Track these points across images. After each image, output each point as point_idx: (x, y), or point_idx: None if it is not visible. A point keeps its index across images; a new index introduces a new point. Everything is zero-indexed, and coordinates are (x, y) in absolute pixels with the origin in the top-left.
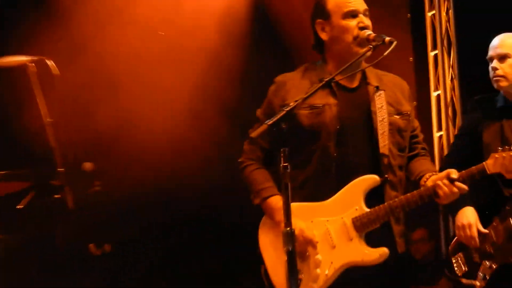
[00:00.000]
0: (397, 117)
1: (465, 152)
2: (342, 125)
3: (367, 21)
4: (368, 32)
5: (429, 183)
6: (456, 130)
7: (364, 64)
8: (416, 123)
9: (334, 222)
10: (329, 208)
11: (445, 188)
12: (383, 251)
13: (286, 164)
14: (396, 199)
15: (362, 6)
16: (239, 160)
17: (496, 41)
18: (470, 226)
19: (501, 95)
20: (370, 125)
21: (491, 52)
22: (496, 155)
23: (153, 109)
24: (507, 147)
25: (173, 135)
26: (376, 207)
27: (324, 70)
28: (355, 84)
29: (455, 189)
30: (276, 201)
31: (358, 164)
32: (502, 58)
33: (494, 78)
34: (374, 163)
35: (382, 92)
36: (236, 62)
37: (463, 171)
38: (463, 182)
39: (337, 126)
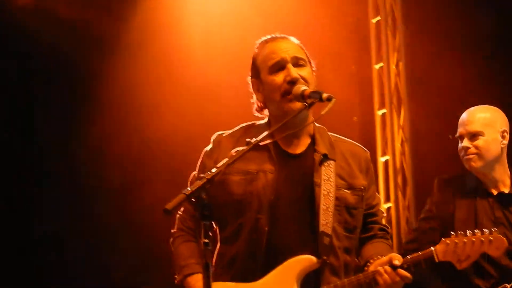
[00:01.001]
0: (347, 192)
1: (432, 237)
2: (278, 196)
3: (296, 73)
4: (303, 87)
5: (372, 268)
6: (421, 212)
7: (310, 119)
8: (376, 200)
9: None
10: None
11: (386, 276)
12: None
13: (206, 240)
14: (331, 285)
15: (290, 54)
16: (172, 231)
17: (465, 117)
18: None
19: (471, 176)
20: (312, 199)
21: (461, 130)
22: (448, 241)
23: None
24: (461, 233)
25: None
26: None
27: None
28: (299, 150)
29: (397, 278)
30: (196, 280)
31: (294, 242)
32: (474, 136)
33: (466, 157)
34: (313, 242)
35: (331, 162)
36: None
37: (408, 257)
38: (407, 269)
39: (271, 197)
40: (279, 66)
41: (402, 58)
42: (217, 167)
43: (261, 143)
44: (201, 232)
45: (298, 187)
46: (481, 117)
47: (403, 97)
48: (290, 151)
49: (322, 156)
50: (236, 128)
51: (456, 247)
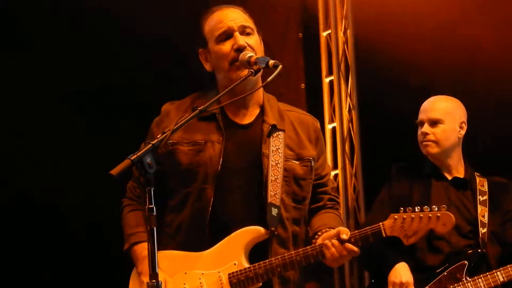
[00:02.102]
0: (296, 163)
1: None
2: (225, 166)
3: (243, 40)
4: (249, 54)
5: (319, 241)
6: (380, 197)
7: (257, 85)
8: (326, 170)
9: (209, 276)
10: (206, 260)
11: (333, 249)
12: None
13: (151, 206)
14: (279, 257)
15: (237, 23)
16: (122, 199)
17: (427, 104)
18: (407, 285)
19: (428, 162)
20: (260, 170)
21: (422, 116)
22: (396, 216)
23: None
24: (409, 208)
25: None
26: (256, 264)
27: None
28: (248, 120)
29: (344, 252)
30: (143, 248)
31: (240, 213)
32: (434, 123)
33: (424, 143)
34: (260, 213)
35: (280, 132)
36: None
37: (356, 231)
38: (355, 243)
39: (217, 167)
40: (226, 35)
41: (350, 26)
42: (162, 133)
43: (208, 109)
44: (146, 198)
45: (246, 158)
46: (442, 106)
47: (351, 65)
48: (239, 121)
49: (270, 127)
50: (185, 98)
51: (403, 222)
